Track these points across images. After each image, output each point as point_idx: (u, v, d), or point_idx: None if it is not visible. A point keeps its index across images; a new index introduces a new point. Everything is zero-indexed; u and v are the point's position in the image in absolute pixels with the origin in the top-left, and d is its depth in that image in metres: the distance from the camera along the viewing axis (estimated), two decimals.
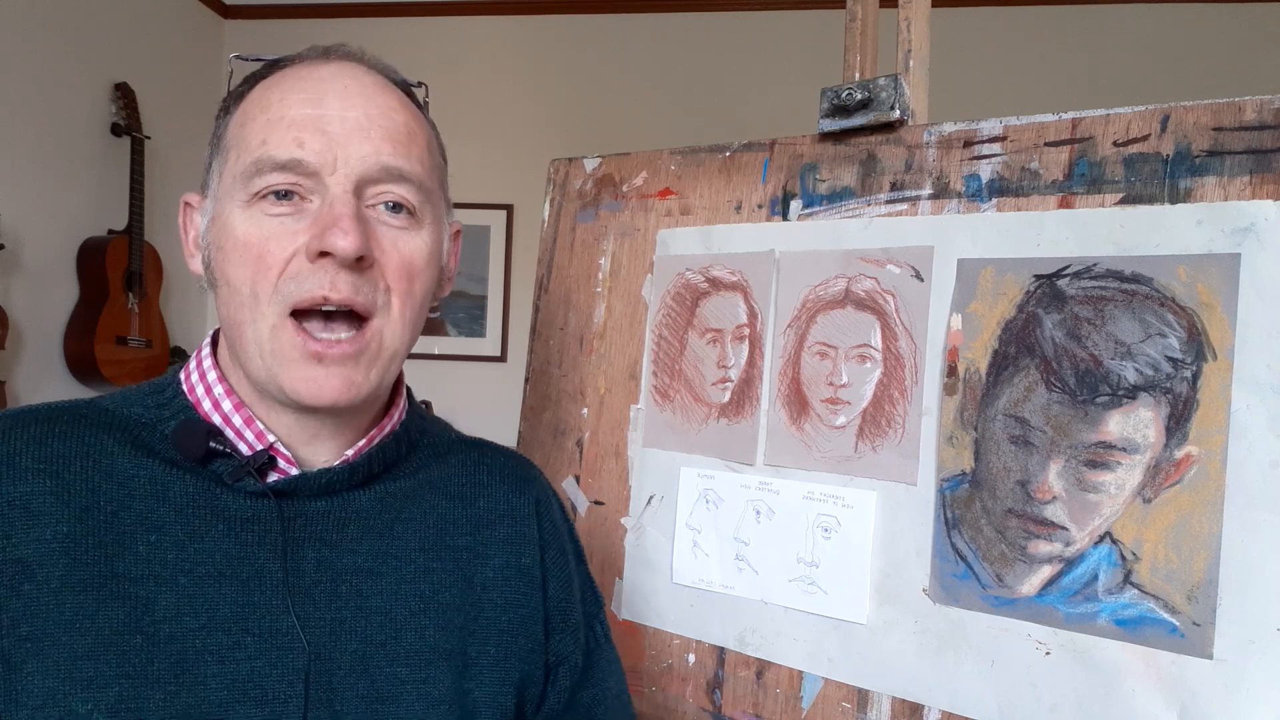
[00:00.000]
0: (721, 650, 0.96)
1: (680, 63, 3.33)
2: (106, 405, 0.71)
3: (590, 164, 1.14)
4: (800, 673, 0.90)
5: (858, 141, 0.92)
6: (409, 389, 0.82)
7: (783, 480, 0.93)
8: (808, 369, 0.92)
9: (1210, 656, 0.68)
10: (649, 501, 1.03)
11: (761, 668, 0.93)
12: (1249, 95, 0.71)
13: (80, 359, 2.82)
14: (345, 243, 0.65)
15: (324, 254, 0.66)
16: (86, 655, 0.61)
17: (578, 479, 1.09)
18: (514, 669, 0.76)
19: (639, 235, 1.08)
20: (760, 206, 0.98)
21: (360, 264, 0.67)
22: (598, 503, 1.07)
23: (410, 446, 0.78)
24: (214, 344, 0.74)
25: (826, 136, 0.94)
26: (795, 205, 0.96)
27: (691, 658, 0.98)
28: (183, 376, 0.73)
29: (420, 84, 0.79)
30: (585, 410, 1.10)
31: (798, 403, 0.92)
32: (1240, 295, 0.69)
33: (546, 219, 1.17)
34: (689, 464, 1.00)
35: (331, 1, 3.49)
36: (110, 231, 2.94)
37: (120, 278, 2.88)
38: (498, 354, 3.42)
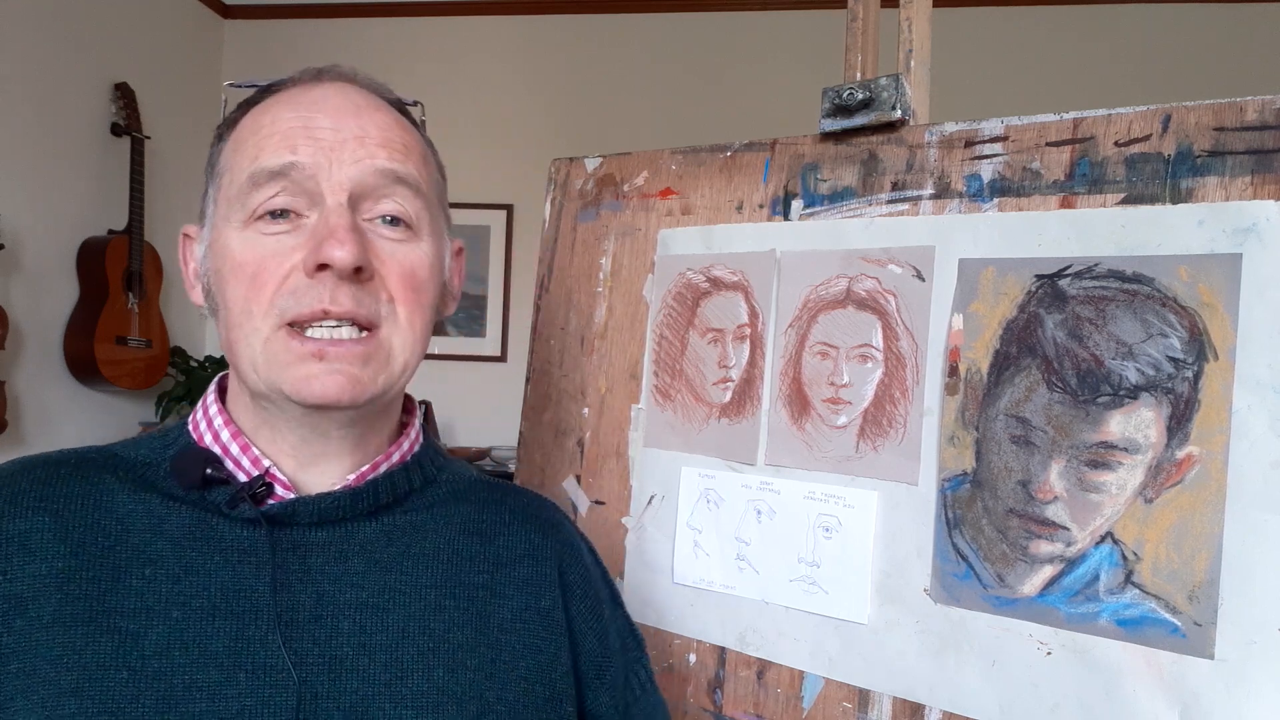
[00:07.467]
0: (722, 650, 0.96)
1: (681, 63, 3.34)
2: (115, 450, 0.71)
3: (591, 163, 1.14)
4: (801, 673, 0.90)
5: (859, 141, 0.92)
6: (426, 429, 0.80)
7: (784, 480, 0.93)
8: (809, 369, 0.92)
9: (1211, 657, 0.68)
10: (650, 501, 1.03)
11: (762, 667, 0.93)
12: (1250, 95, 0.71)
13: (80, 359, 2.82)
14: (342, 253, 0.63)
15: (322, 267, 0.64)
16: (71, 692, 0.59)
17: (578, 479, 1.09)
18: (531, 717, 0.71)
19: (640, 235, 1.08)
20: (761, 206, 0.98)
21: (359, 275, 0.65)
22: (598, 502, 1.07)
23: (425, 481, 0.76)
24: (220, 388, 0.74)
25: (828, 136, 0.94)
26: (796, 205, 0.96)
27: (692, 657, 0.98)
28: (189, 419, 0.73)
29: (416, 103, 0.77)
30: (586, 410, 1.10)
31: (799, 402, 0.92)
32: (1242, 295, 0.69)
33: (547, 219, 1.17)
34: (690, 464, 1.00)
35: (332, 1, 3.49)
36: (110, 231, 2.94)
37: (120, 277, 2.88)
38: (498, 354, 3.42)
